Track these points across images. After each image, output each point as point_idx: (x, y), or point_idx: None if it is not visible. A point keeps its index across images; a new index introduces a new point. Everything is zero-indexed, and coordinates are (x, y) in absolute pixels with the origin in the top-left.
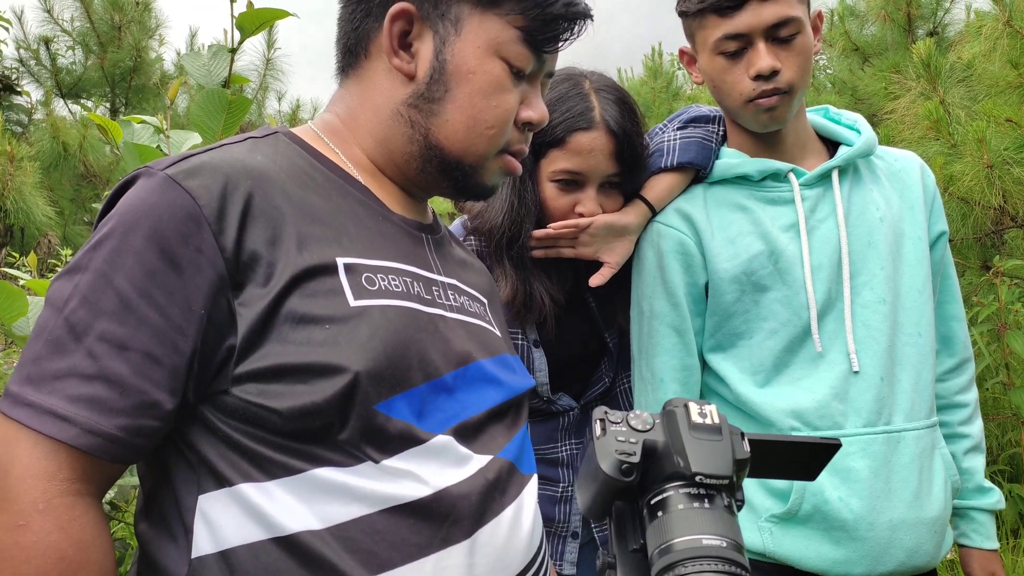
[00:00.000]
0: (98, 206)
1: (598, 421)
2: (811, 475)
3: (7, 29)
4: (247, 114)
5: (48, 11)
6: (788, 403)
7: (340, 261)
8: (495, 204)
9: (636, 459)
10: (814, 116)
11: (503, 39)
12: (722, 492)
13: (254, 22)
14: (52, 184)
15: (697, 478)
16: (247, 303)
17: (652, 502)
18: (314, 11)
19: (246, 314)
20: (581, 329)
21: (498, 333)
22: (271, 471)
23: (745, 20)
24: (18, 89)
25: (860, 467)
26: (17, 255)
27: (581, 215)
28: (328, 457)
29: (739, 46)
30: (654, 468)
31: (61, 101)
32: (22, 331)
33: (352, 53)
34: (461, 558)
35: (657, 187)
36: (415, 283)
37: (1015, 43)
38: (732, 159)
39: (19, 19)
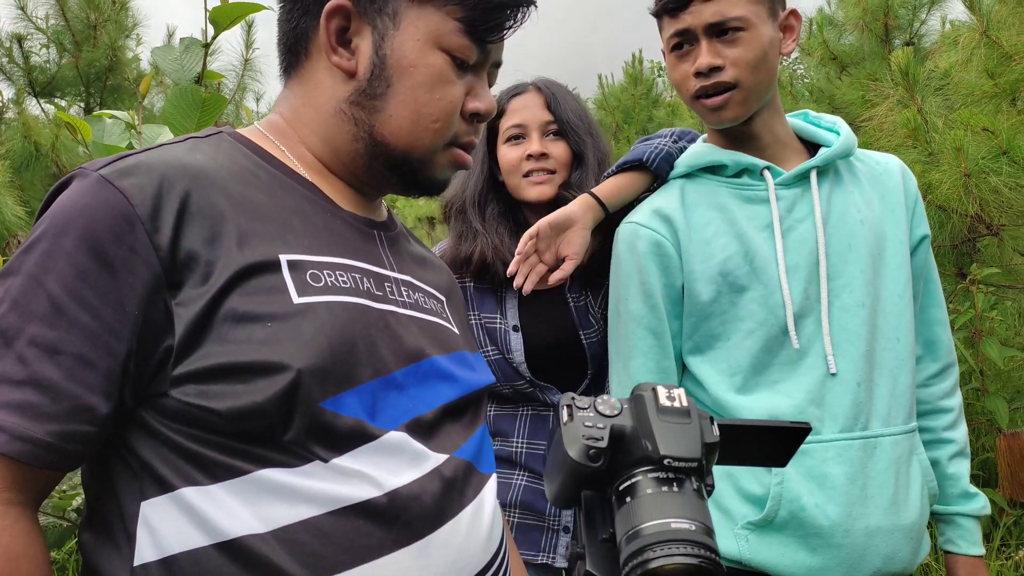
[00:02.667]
0: None
1: (565, 407)
2: (782, 461)
3: None
4: (222, 114)
5: (22, 8)
6: (765, 408)
7: (283, 258)
8: (457, 182)
9: (603, 444)
10: (794, 120)
11: (443, 31)
12: (691, 476)
13: (228, 16)
14: (23, 184)
15: (666, 461)
16: (184, 303)
17: (620, 488)
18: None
19: (183, 314)
20: (560, 322)
21: (455, 330)
22: (215, 474)
23: (687, 19)
24: None
25: (836, 473)
26: None
27: (530, 156)
28: (273, 458)
29: (684, 43)
30: (622, 453)
31: (34, 100)
32: None
33: (293, 53)
34: (413, 560)
35: (607, 184)
36: (365, 279)
37: (991, 52)
38: (706, 149)
39: None
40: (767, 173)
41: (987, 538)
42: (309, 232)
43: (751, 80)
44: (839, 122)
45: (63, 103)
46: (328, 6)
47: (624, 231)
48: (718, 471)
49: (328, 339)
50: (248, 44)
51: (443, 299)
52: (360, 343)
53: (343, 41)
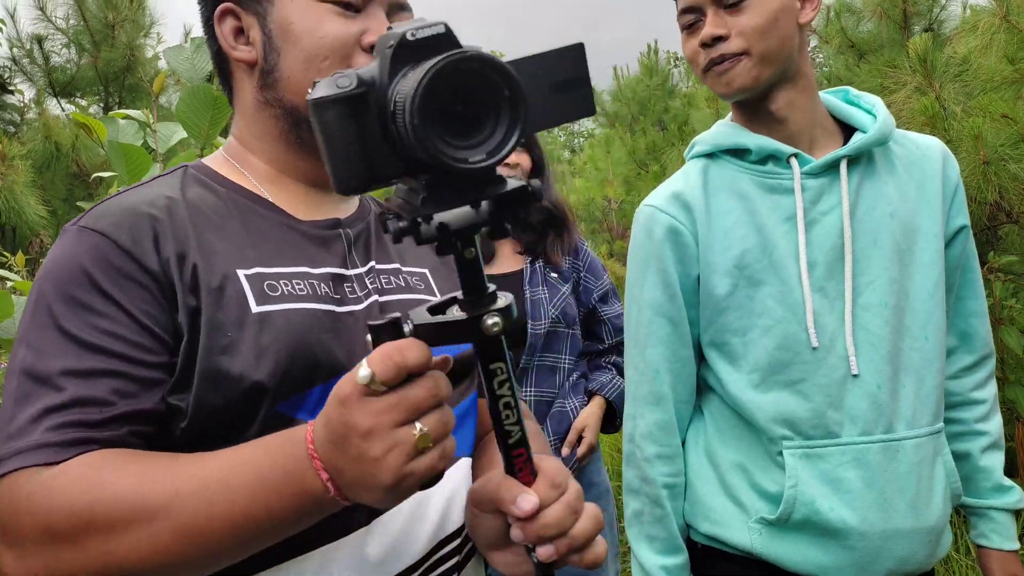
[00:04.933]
0: (86, 205)
1: None
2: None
3: (1, 29)
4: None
5: (41, 9)
6: (781, 410)
7: (241, 273)
8: None
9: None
10: (829, 97)
11: None
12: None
13: None
14: (44, 184)
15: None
16: (180, 315)
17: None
18: None
19: (183, 323)
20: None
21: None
22: None
23: None
24: (11, 88)
25: (852, 477)
26: (9, 255)
27: (506, 165)
28: None
29: (694, 18)
30: None
31: (54, 100)
32: (6, 333)
33: (223, 76)
34: (352, 548)
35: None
36: (323, 284)
37: (1011, 38)
38: (730, 130)
39: (12, 17)
40: (794, 161)
41: None
42: (266, 247)
43: (759, 47)
44: (878, 104)
45: (83, 103)
46: (216, 12)
47: (642, 214)
48: (734, 467)
49: (286, 345)
50: None
51: (425, 271)
52: (316, 348)
53: (243, 39)
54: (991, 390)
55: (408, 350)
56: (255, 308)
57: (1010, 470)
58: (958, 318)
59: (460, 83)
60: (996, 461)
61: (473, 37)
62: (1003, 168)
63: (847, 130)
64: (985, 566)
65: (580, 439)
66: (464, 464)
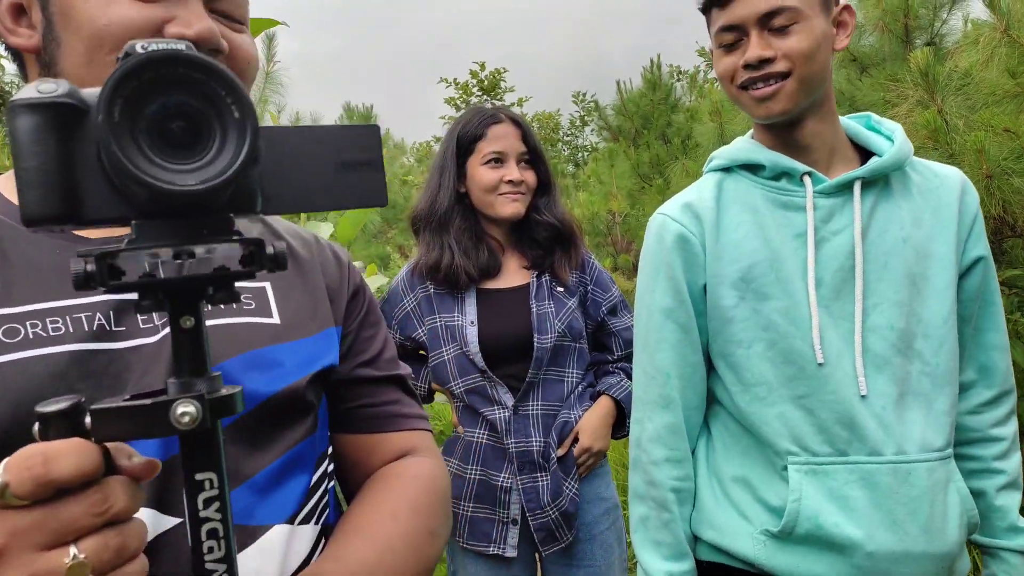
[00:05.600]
0: None
1: None
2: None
3: None
4: None
5: None
6: (787, 424)
7: None
8: (423, 195)
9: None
10: (850, 122)
11: None
12: None
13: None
14: None
15: None
16: None
17: None
18: (317, 22)
19: None
20: (518, 320)
21: (270, 320)
22: None
23: (737, 11)
24: None
25: (858, 496)
26: None
27: (510, 181)
28: None
29: (735, 37)
30: None
31: None
32: None
33: (19, 64)
34: None
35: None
36: (98, 317)
37: (1013, 52)
38: (748, 146)
39: None
40: (807, 179)
41: None
42: (26, 280)
43: (804, 71)
44: (897, 131)
45: None
46: None
47: (655, 222)
48: (737, 481)
49: (12, 405)
50: (269, 57)
51: (265, 285)
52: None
53: (25, 21)
54: (1011, 428)
55: (59, 458)
56: None
57: None
58: (978, 351)
59: (170, 89)
60: (1012, 501)
61: (477, 52)
62: (1006, 182)
63: (865, 156)
64: None
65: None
66: (276, 534)
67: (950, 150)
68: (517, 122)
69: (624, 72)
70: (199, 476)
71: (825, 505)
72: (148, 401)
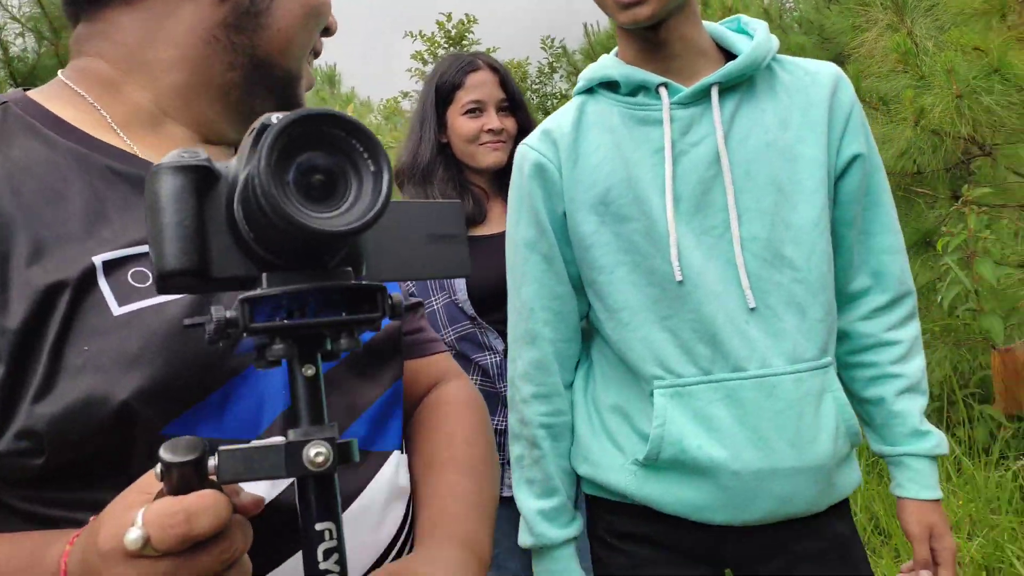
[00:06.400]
0: None
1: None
2: None
3: None
4: None
5: None
6: (651, 348)
7: (97, 260)
8: (405, 148)
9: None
10: (715, 25)
11: None
12: None
13: None
14: None
15: None
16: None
17: None
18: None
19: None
20: (504, 261)
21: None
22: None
23: None
24: None
25: (722, 415)
26: None
27: (491, 130)
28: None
29: None
30: None
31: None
32: None
33: None
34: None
35: None
36: None
37: None
38: (607, 63)
39: None
40: (663, 91)
41: (986, 451)
42: (128, 220)
43: None
44: (760, 28)
45: None
46: None
47: (518, 153)
48: (613, 409)
49: (160, 353)
50: None
51: None
52: (202, 348)
53: None
54: (909, 331)
55: (200, 516)
56: (117, 310)
57: (985, 398)
58: (869, 256)
59: (314, 145)
60: (913, 405)
61: (443, 2)
62: (976, 101)
63: (732, 58)
64: (901, 518)
65: None
66: (393, 461)
67: (920, 72)
68: (495, 68)
69: (592, 15)
70: (319, 526)
71: (689, 427)
72: (279, 441)
